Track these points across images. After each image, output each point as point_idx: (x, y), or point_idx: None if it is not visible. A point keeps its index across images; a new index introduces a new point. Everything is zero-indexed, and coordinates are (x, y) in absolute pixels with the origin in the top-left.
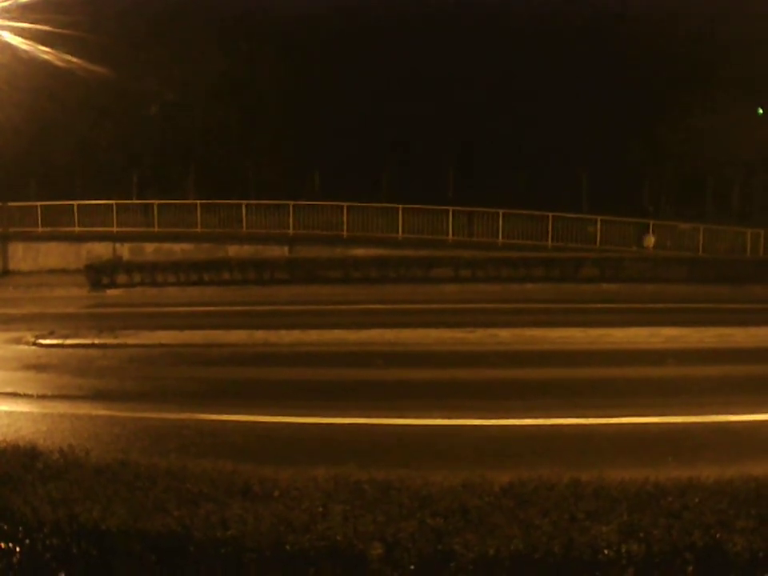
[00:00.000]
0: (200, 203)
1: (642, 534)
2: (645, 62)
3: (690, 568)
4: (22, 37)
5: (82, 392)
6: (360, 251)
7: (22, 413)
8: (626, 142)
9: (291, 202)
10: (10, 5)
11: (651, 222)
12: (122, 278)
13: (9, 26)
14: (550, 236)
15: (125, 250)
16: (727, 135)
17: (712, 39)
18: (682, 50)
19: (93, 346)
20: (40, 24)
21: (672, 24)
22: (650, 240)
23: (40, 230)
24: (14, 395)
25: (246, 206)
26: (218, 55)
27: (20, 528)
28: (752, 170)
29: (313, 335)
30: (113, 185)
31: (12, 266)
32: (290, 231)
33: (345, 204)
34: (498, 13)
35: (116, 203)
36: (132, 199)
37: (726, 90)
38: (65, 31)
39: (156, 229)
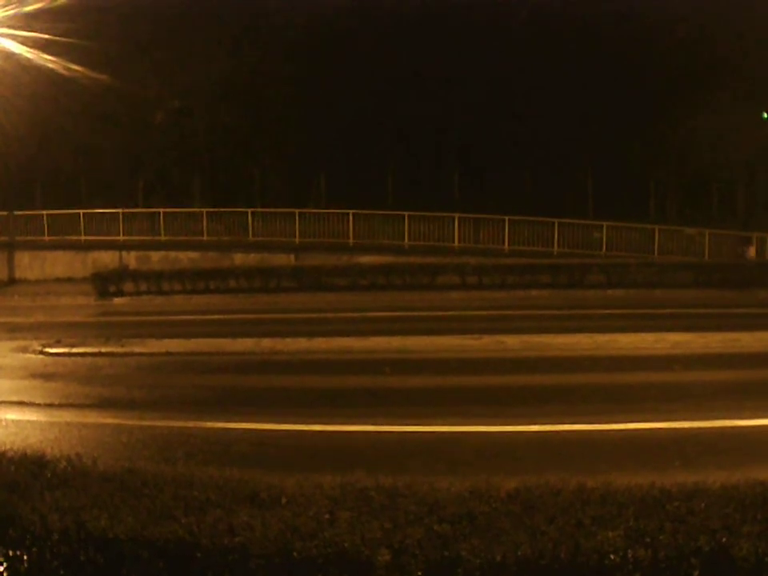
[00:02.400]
0: (206, 211)
1: (648, 539)
2: (645, 64)
3: (696, 573)
4: (26, 46)
5: (89, 400)
6: (366, 259)
7: (29, 421)
8: (628, 146)
9: (297, 210)
10: (14, 14)
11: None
12: (128, 286)
13: (13, 35)
14: (555, 242)
15: (131, 259)
16: (729, 138)
17: (713, 41)
18: (683, 52)
19: (100, 354)
20: (43, 33)
21: (673, 25)
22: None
23: (46, 238)
24: (22, 404)
25: (252, 213)
26: (222, 60)
27: (27, 536)
28: (754, 173)
29: (319, 343)
30: (118, 192)
31: (18, 274)
32: (296, 239)
33: (350, 212)
34: (499, 13)
35: (122, 212)
36: (137, 206)
37: (726, 92)
38: (68, 39)
39: (162, 237)
